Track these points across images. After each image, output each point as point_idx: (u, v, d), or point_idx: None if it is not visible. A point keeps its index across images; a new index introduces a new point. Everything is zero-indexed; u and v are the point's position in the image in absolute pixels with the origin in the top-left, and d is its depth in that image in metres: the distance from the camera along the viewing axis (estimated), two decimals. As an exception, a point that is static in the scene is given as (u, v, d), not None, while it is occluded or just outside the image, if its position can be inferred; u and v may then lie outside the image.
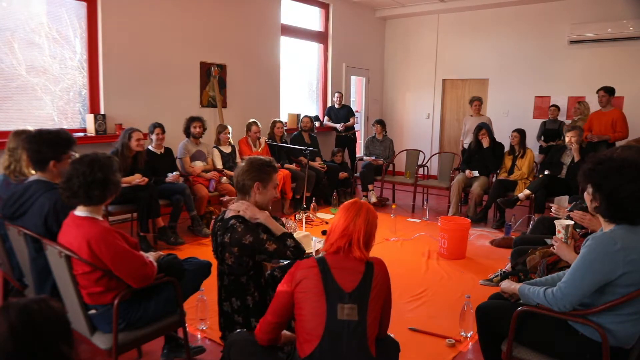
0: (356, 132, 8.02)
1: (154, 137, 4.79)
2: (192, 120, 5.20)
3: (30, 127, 2.88)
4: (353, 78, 8.75)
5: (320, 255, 1.87)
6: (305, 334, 1.75)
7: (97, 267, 2.01)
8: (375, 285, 1.79)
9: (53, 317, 1.16)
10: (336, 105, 7.58)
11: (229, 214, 2.32)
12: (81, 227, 2.04)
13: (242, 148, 5.88)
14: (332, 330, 1.71)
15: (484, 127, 5.88)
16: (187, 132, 5.22)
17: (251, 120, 5.99)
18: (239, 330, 2.11)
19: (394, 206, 6.05)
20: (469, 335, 2.95)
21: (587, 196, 1.93)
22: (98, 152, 2.17)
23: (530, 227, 4.26)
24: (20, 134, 2.77)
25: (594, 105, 6.17)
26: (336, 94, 7.57)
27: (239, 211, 2.30)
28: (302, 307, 1.76)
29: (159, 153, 4.84)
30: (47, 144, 2.33)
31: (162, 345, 2.62)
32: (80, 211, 2.08)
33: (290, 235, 2.33)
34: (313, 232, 4.65)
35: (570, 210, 2.91)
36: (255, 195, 2.32)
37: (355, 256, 1.80)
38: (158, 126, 4.80)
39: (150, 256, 2.26)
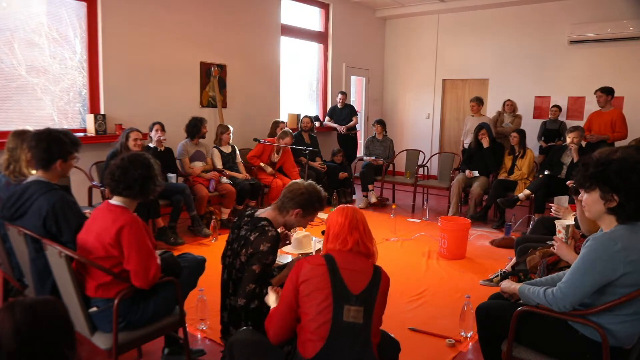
0: (357, 132, 8.02)
1: (153, 133, 4.80)
2: (202, 121, 5.21)
3: (30, 127, 2.87)
4: (353, 78, 8.75)
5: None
6: (308, 333, 1.74)
7: (101, 265, 2.01)
8: (381, 291, 1.80)
9: (58, 318, 1.16)
10: (339, 105, 7.59)
11: (261, 214, 2.33)
12: (114, 212, 2.12)
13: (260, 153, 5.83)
14: (337, 332, 1.70)
15: (484, 127, 5.88)
16: (194, 132, 5.20)
17: (286, 129, 5.97)
18: (243, 327, 2.10)
19: (394, 206, 6.05)
20: (469, 335, 2.95)
21: (591, 198, 1.88)
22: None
23: (530, 227, 4.26)
24: (20, 134, 2.77)
25: (595, 105, 6.18)
26: (339, 95, 7.57)
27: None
28: (308, 306, 1.75)
29: (159, 150, 4.84)
30: (56, 143, 2.33)
31: (162, 346, 2.61)
32: (115, 200, 2.18)
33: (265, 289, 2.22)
34: (313, 232, 4.65)
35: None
36: (291, 217, 2.32)
37: (367, 251, 1.85)
38: (157, 123, 4.83)
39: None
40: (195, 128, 5.18)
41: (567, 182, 2.98)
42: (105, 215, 2.12)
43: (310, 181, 2.40)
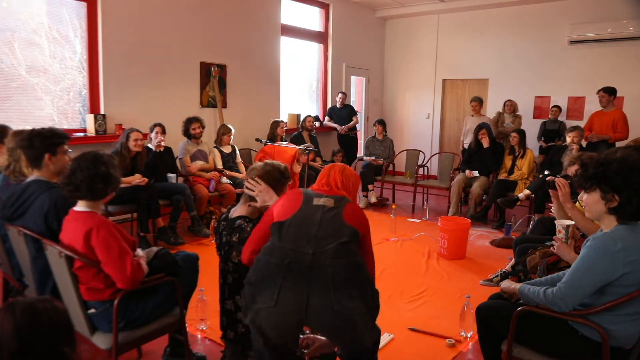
0: (357, 132, 8.02)
1: (153, 135, 4.79)
2: (190, 121, 5.18)
3: (30, 128, 2.87)
4: (353, 78, 8.75)
5: None
6: (279, 216, 1.91)
7: (91, 261, 2.02)
8: (354, 210, 1.97)
9: (57, 318, 1.17)
10: (338, 105, 7.59)
11: (234, 213, 2.34)
12: (79, 220, 2.07)
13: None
14: (307, 208, 1.91)
15: (484, 127, 5.88)
16: (186, 133, 5.21)
17: (307, 144, 5.96)
18: None
19: (394, 206, 6.05)
20: (469, 335, 2.95)
21: (592, 198, 1.88)
22: (99, 150, 2.21)
23: (530, 227, 4.26)
24: (19, 134, 2.76)
25: (595, 105, 6.17)
26: (339, 94, 7.57)
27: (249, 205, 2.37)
28: (279, 205, 1.97)
29: (158, 151, 4.83)
30: (38, 138, 2.34)
31: (164, 345, 2.60)
32: (79, 206, 2.12)
33: None
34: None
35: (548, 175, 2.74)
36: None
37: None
38: (158, 125, 4.81)
39: (142, 258, 2.20)
40: (186, 131, 5.19)
41: (547, 178, 2.92)
42: (72, 224, 2.08)
43: (266, 160, 2.44)
